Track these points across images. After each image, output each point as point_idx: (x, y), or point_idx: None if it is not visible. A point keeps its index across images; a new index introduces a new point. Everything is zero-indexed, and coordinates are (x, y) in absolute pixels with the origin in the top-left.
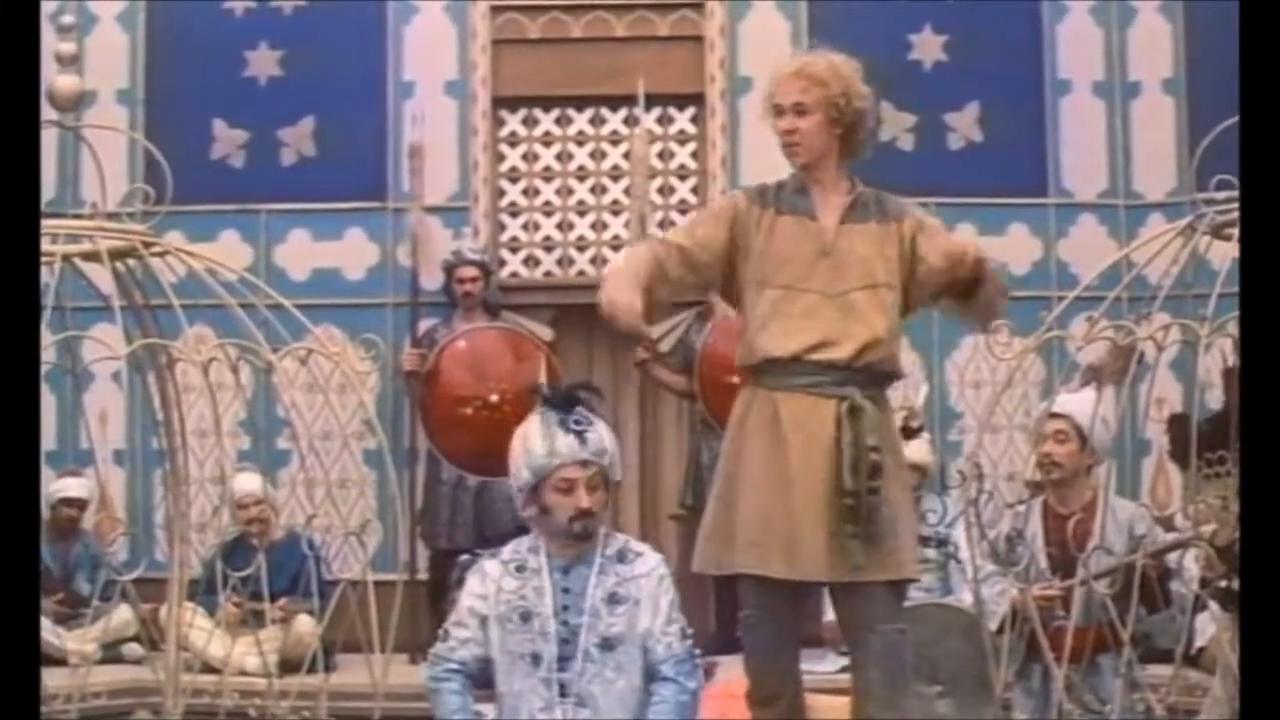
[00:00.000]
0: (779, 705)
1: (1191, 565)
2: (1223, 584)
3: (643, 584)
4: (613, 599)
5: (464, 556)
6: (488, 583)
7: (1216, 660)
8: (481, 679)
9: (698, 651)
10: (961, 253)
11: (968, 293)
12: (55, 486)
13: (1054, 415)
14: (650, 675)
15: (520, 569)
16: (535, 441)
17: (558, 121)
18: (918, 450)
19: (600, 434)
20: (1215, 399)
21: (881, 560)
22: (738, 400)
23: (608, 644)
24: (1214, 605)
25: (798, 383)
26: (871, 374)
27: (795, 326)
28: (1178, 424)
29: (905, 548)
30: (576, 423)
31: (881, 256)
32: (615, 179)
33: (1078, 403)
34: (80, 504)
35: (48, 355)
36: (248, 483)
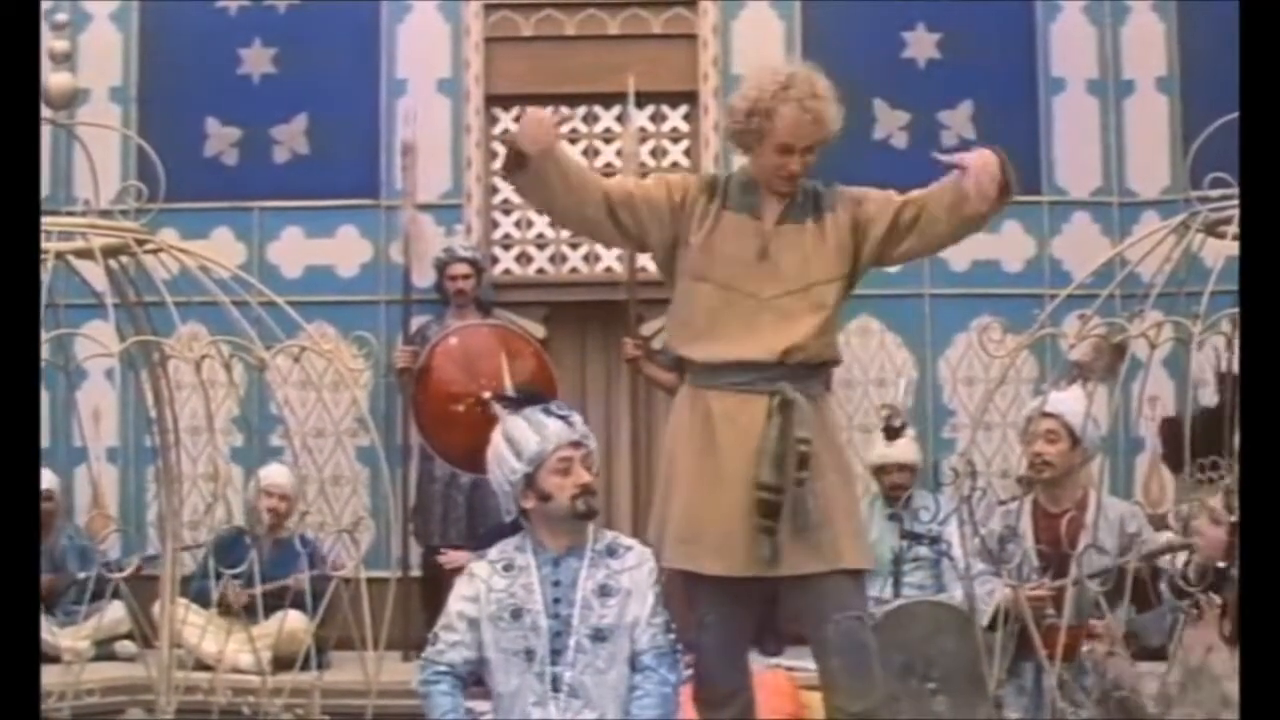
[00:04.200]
0: (734, 704)
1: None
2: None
3: (634, 575)
4: (604, 591)
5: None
6: (476, 584)
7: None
8: (473, 679)
9: (679, 646)
10: (962, 196)
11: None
12: None
13: (1044, 414)
14: (633, 665)
15: (508, 568)
16: (523, 433)
17: None
18: (904, 449)
19: (580, 420)
20: (1208, 396)
21: (814, 551)
22: (675, 401)
23: (599, 635)
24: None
25: (728, 380)
26: (803, 368)
27: (726, 341)
28: (1170, 428)
29: (844, 535)
30: (559, 409)
31: (819, 255)
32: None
33: (1068, 401)
34: (49, 495)
35: (40, 352)
36: (277, 475)
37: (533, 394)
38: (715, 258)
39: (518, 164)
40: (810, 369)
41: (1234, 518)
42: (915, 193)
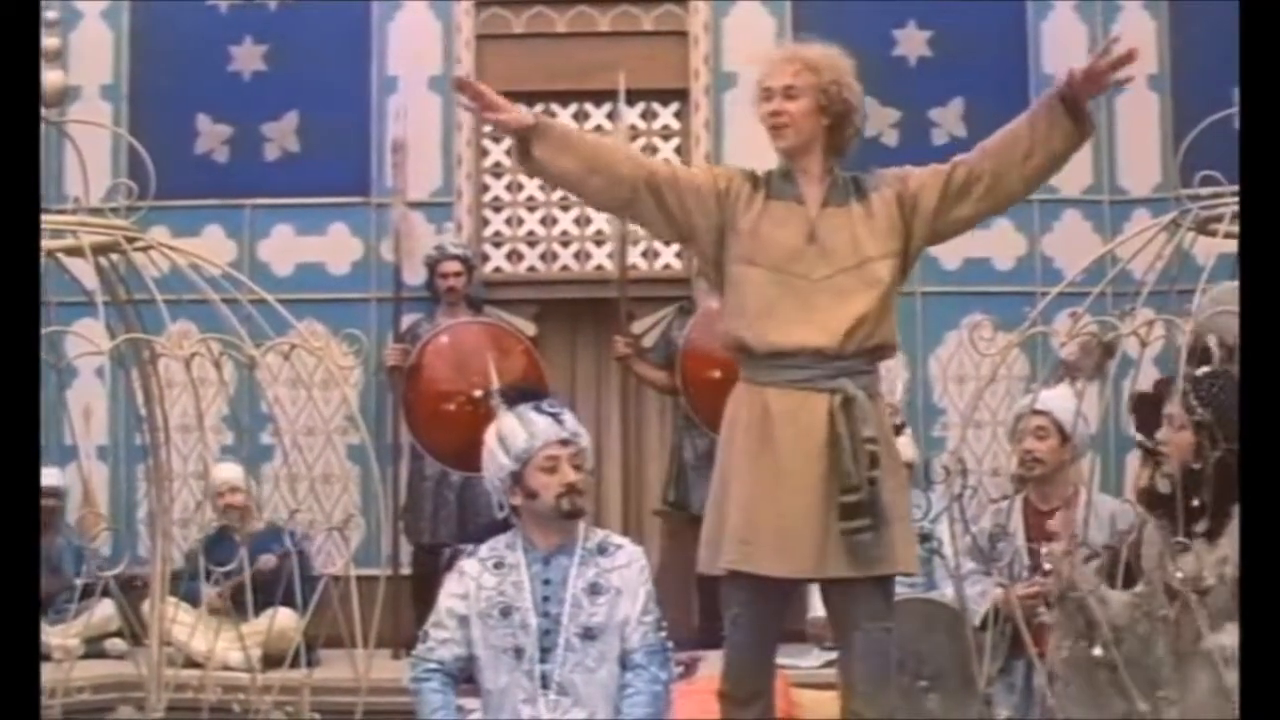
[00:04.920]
0: (758, 705)
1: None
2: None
3: (624, 574)
4: (594, 589)
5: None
6: (466, 581)
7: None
8: (464, 676)
9: (670, 645)
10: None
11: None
12: None
13: (1034, 412)
14: (623, 664)
15: (498, 565)
16: (513, 430)
17: None
18: (901, 448)
19: (572, 418)
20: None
21: (879, 554)
22: (730, 399)
23: (589, 634)
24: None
25: (787, 377)
26: (862, 357)
27: (784, 323)
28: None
29: (900, 540)
30: (550, 406)
31: (869, 232)
32: None
33: (1057, 399)
34: (55, 493)
35: (40, 352)
36: (225, 471)
37: (530, 390)
38: (764, 243)
39: (523, 151)
40: (867, 359)
41: (1198, 415)
42: (962, 155)
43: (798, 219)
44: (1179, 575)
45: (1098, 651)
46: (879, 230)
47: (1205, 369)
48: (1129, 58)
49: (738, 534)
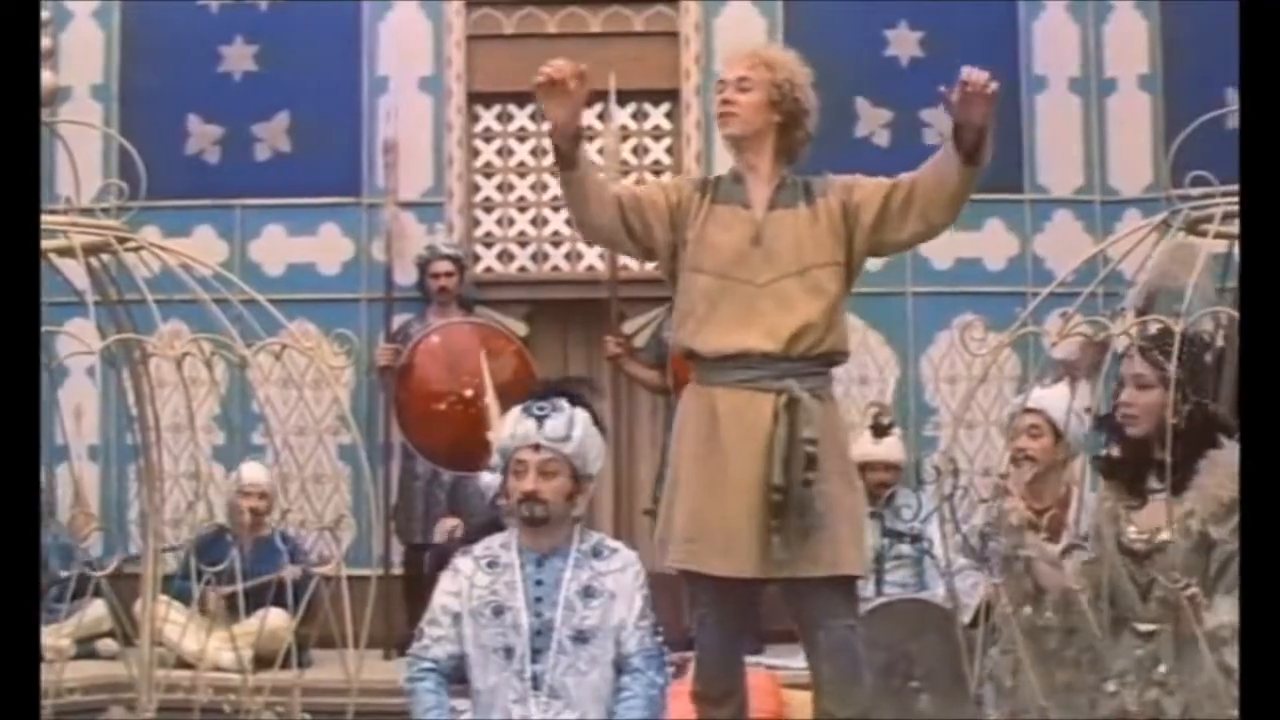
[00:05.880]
0: (731, 703)
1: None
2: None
3: (619, 578)
4: (587, 592)
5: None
6: (460, 579)
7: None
8: (457, 676)
9: (666, 649)
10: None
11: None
12: None
13: (1027, 410)
14: (619, 668)
15: (492, 564)
16: (504, 428)
17: (532, 117)
18: (891, 448)
19: (562, 422)
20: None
21: (815, 555)
22: (680, 400)
23: (581, 637)
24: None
25: (735, 378)
26: (811, 361)
27: (727, 327)
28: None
29: (844, 541)
30: (539, 409)
31: (812, 237)
32: None
33: (1051, 397)
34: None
35: (40, 353)
36: (255, 473)
37: (557, 387)
38: (709, 248)
39: (565, 159)
40: (817, 364)
41: (1167, 372)
42: (905, 175)
43: (743, 222)
44: (1132, 531)
45: (1049, 616)
46: (822, 237)
47: (1159, 325)
48: (971, 81)
49: (684, 533)
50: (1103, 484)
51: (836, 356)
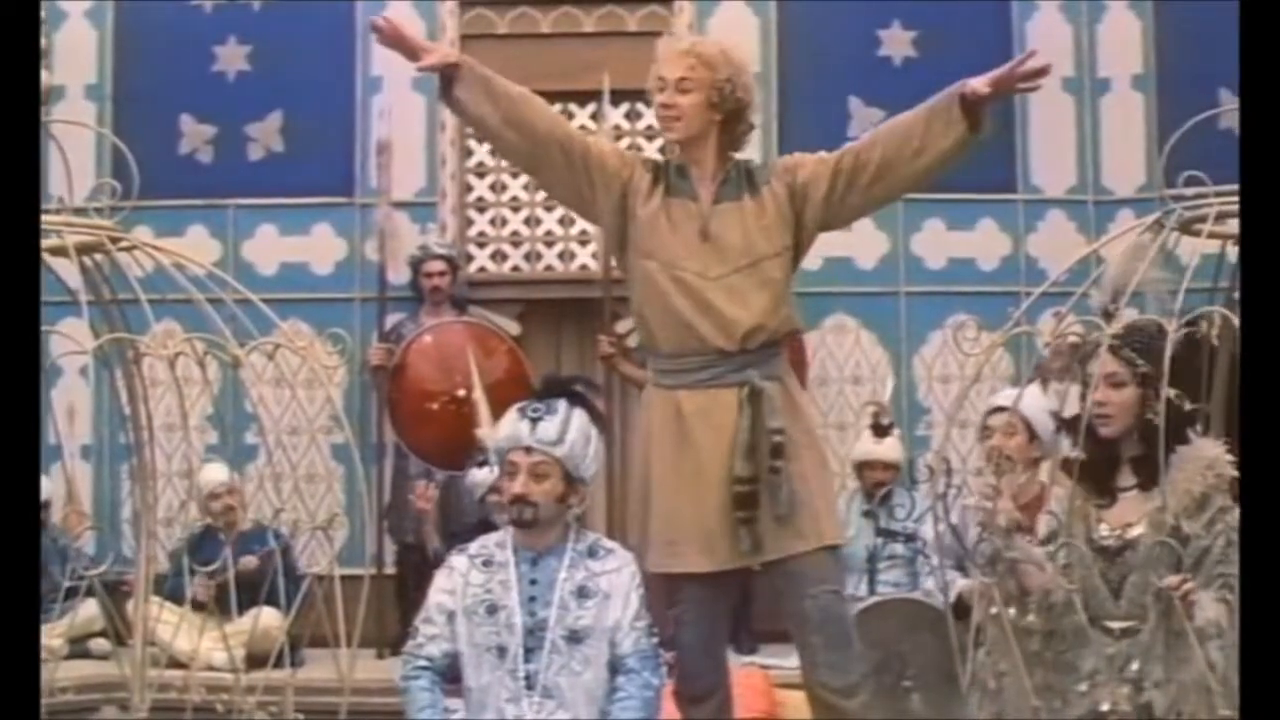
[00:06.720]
0: (712, 701)
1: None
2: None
3: (614, 578)
4: (582, 592)
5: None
6: (455, 577)
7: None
8: (452, 674)
9: (662, 650)
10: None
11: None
12: None
13: (1000, 409)
14: (614, 668)
15: (487, 563)
16: (500, 428)
17: None
18: (890, 448)
19: (555, 425)
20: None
21: (799, 530)
22: (641, 405)
23: (575, 637)
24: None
25: (695, 378)
26: (765, 349)
27: (683, 322)
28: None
29: (823, 514)
30: (534, 410)
31: (760, 229)
32: None
33: (1026, 397)
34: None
35: (41, 354)
36: (217, 473)
37: (555, 387)
38: (661, 240)
39: (445, 90)
40: (772, 348)
41: (1141, 368)
42: (850, 144)
43: (692, 217)
44: (1103, 529)
45: (1031, 619)
46: (770, 226)
47: (1125, 323)
48: (1043, 71)
49: (663, 536)
50: (1071, 484)
51: (791, 334)
